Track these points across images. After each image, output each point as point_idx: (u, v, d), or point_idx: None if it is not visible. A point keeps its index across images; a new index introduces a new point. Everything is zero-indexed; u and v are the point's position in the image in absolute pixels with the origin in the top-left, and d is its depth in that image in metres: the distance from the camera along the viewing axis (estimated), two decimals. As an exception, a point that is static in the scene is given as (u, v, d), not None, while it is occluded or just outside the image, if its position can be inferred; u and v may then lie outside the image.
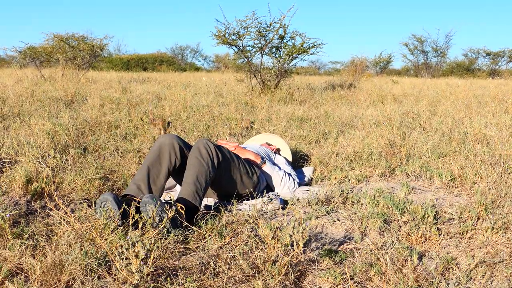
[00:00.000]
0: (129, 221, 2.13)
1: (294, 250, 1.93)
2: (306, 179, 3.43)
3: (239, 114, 6.02)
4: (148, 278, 1.78)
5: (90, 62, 13.19)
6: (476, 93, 9.81)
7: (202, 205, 2.70)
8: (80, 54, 12.40)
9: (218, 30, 8.69)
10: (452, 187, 3.15)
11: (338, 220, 2.56)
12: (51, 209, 2.47)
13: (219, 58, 34.43)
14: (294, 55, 9.08)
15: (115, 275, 1.82)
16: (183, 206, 2.32)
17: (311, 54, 9.19)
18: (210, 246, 2.14)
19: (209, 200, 2.87)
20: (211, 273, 1.89)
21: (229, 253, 2.04)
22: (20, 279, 1.74)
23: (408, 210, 2.54)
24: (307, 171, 3.57)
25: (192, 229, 2.28)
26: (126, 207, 2.25)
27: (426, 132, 4.86)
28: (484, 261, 2.02)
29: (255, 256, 1.95)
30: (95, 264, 1.85)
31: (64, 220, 2.21)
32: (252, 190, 2.86)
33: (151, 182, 2.56)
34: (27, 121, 4.85)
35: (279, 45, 9.09)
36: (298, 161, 3.94)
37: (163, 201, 2.35)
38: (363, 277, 1.89)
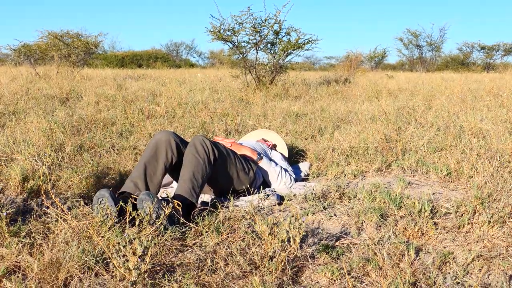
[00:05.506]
0: (126, 218, 2.13)
1: (291, 246, 1.94)
2: (302, 174, 3.44)
3: (234, 110, 6.01)
4: (146, 275, 1.78)
5: (85, 59, 13.16)
6: (471, 87, 9.82)
7: (199, 201, 2.70)
8: (74, 51, 12.37)
9: (213, 26, 8.67)
10: (449, 181, 3.16)
11: (335, 215, 2.57)
12: (47, 207, 2.46)
13: (214, 54, 34.41)
14: (289, 50, 9.07)
15: (113, 272, 1.82)
16: (180, 203, 2.32)
17: (306, 50, 9.19)
18: (207, 242, 2.14)
19: (206, 196, 2.87)
20: (208, 270, 1.89)
21: (226, 249, 2.05)
22: (17, 277, 1.74)
23: (404, 205, 2.55)
24: (304, 166, 3.58)
25: (189, 225, 2.28)
26: (123, 204, 2.24)
27: (422, 127, 4.87)
28: (481, 255, 2.03)
29: (252, 252, 1.95)
30: (93, 262, 1.85)
31: (61, 217, 2.21)
32: (248, 186, 2.86)
33: (148, 179, 2.56)
34: (23, 119, 4.83)
35: (274, 41, 9.07)
36: (294, 156, 3.94)
37: (160, 198, 2.35)
38: (360, 272, 1.90)
